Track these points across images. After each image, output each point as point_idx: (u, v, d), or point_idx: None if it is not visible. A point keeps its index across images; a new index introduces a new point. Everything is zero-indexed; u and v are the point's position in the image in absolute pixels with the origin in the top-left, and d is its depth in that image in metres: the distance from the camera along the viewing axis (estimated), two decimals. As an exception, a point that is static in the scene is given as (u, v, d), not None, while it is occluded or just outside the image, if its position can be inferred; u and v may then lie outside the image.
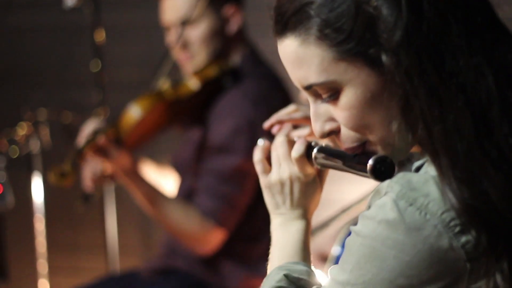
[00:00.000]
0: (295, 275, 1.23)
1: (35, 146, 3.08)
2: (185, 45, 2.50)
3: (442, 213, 1.06)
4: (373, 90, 1.11)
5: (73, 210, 2.64)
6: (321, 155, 1.25)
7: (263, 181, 1.35)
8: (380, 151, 1.15)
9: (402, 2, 1.08)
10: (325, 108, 1.16)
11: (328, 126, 1.17)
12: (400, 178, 1.09)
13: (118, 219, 3.19)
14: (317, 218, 2.33)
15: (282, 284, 1.22)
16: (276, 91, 2.53)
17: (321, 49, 1.11)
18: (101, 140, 2.25)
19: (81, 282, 3.03)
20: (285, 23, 1.14)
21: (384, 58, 1.09)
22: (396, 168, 1.15)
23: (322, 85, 1.13)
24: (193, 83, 2.49)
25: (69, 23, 3.49)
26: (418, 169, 1.15)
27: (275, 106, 2.35)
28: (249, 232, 2.53)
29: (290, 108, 1.46)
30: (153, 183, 2.39)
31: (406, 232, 1.06)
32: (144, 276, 2.57)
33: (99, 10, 2.93)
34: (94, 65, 3.02)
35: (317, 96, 1.16)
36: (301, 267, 1.25)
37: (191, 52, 2.50)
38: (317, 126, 1.17)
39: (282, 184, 1.32)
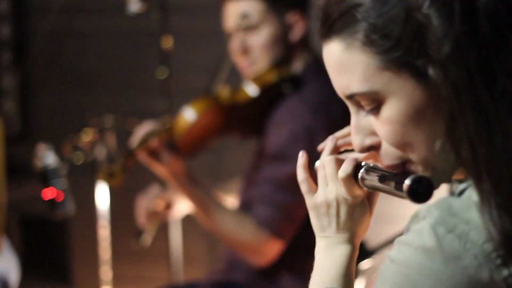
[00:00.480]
0: None
1: (100, 152, 3.06)
2: (246, 52, 2.44)
3: (484, 243, 0.98)
4: (418, 104, 1.03)
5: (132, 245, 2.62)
6: (369, 176, 1.16)
7: (308, 201, 1.28)
8: (422, 171, 1.08)
9: (456, 11, 1.00)
10: (367, 120, 1.09)
11: (369, 141, 1.10)
12: (440, 202, 1.02)
13: (182, 229, 3.15)
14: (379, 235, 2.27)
15: None
16: (336, 101, 2.45)
17: (366, 56, 1.05)
18: (154, 142, 2.20)
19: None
20: (331, 26, 1.08)
21: (431, 70, 1.01)
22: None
23: (364, 95, 1.06)
24: (251, 89, 2.44)
25: (137, 28, 3.47)
26: (461, 193, 1.07)
27: (335, 115, 2.30)
28: (309, 243, 2.45)
29: (346, 130, 1.37)
30: (207, 190, 2.33)
31: (444, 261, 0.98)
32: (203, 289, 2.52)
33: (166, 16, 2.89)
34: (160, 72, 2.99)
35: (359, 106, 1.10)
36: None
37: (252, 59, 2.45)
38: (357, 139, 1.11)
39: (328, 205, 1.24)
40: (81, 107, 3.65)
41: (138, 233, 2.49)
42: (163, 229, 3.11)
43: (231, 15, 2.45)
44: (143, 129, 2.28)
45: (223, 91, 2.46)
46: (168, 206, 2.56)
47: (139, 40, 3.61)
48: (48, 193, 2.50)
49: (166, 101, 3.00)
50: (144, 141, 2.21)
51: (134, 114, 3.17)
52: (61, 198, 2.50)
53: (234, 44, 2.46)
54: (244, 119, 2.47)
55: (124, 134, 2.97)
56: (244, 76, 2.52)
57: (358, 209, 1.24)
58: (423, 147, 1.05)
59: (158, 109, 3.04)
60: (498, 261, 0.98)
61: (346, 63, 1.06)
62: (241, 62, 2.47)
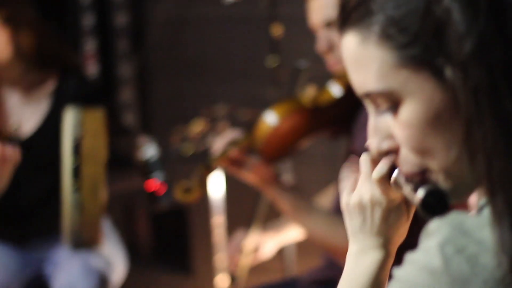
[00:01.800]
0: None
1: (213, 142, 3.05)
2: (331, 49, 2.34)
3: (495, 267, 0.88)
4: (438, 108, 0.94)
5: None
6: (400, 180, 1.06)
7: (343, 200, 1.19)
8: (442, 181, 0.98)
9: (481, 6, 0.90)
10: (386, 123, 1.00)
11: (386, 144, 1.01)
12: (451, 218, 0.92)
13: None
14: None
15: None
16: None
17: (382, 51, 0.95)
18: (234, 153, 2.14)
19: (258, 280, 2.97)
20: (347, 17, 0.99)
21: (449, 70, 0.91)
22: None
23: (380, 94, 0.97)
24: (336, 89, 2.34)
25: (251, 16, 3.42)
26: (481, 210, 0.96)
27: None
28: (406, 245, 2.35)
29: None
30: (298, 194, 2.26)
31: (451, 285, 0.89)
32: (303, 286, 2.47)
33: (275, 3, 2.84)
34: (271, 60, 2.94)
35: (377, 106, 1.00)
36: None
37: (339, 56, 2.35)
38: (374, 142, 1.02)
39: (361, 207, 1.15)
40: (195, 95, 3.65)
41: (232, 278, 2.50)
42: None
43: (314, 11, 2.37)
44: (222, 140, 2.23)
45: (306, 93, 2.38)
46: (257, 249, 2.55)
47: (253, 28, 3.57)
48: (151, 185, 2.51)
49: (277, 90, 2.95)
50: (223, 153, 2.16)
51: (247, 103, 3.14)
52: (163, 190, 2.50)
53: (320, 41, 2.38)
54: (329, 121, 2.38)
55: (237, 124, 2.95)
56: (332, 74, 2.44)
57: (394, 213, 1.15)
58: (443, 155, 0.96)
59: (269, 98, 3.00)
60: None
61: (361, 59, 0.98)
62: (328, 59, 2.38)
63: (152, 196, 2.54)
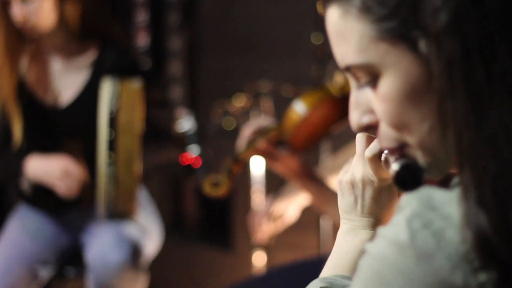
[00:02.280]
0: None
1: (255, 118, 3.03)
2: None
3: (460, 243, 0.87)
4: (415, 82, 0.93)
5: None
6: (396, 166, 1.03)
7: (338, 179, 1.21)
8: (420, 157, 0.97)
9: None
10: (366, 98, 0.99)
11: (366, 119, 1.01)
12: (421, 193, 0.91)
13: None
14: None
15: None
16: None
17: (361, 25, 0.95)
18: (261, 145, 2.11)
19: (295, 257, 2.95)
20: None
21: (423, 43, 0.90)
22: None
23: (360, 67, 0.97)
24: None
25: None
26: (454, 187, 0.93)
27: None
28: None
29: None
30: (325, 184, 2.23)
31: (416, 260, 0.88)
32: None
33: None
34: (315, 38, 2.90)
35: (357, 80, 0.99)
36: (347, 283, 1.12)
37: None
38: (355, 116, 1.01)
39: (353, 185, 1.17)
40: (243, 71, 3.63)
41: (262, 247, 2.48)
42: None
43: None
44: (248, 131, 2.20)
45: (335, 81, 2.35)
46: (281, 216, 2.52)
47: (300, 5, 3.53)
48: (186, 158, 2.50)
49: (321, 67, 2.92)
50: (250, 145, 2.14)
51: (292, 81, 3.11)
52: (198, 164, 2.50)
53: None
54: None
55: (280, 101, 2.93)
56: None
57: (385, 193, 1.16)
58: (419, 129, 0.95)
59: (313, 76, 2.96)
60: (475, 264, 0.86)
61: (342, 32, 0.97)
62: None
63: (188, 169, 2.53)
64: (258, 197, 3.35)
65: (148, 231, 2.77)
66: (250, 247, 3.50)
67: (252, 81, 3.19)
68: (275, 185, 3.27)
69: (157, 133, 2.83)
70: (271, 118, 2.27)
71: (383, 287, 0.90)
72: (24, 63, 2.71)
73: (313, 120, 2.15)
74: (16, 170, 2.67)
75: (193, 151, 2.52)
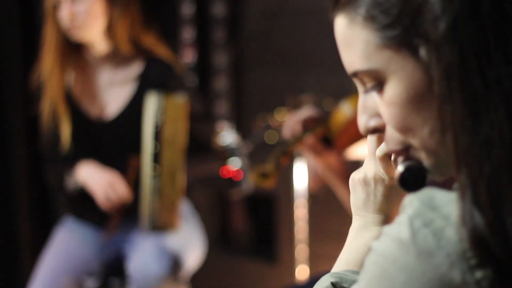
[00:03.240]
0: (345, 285, 1.17)
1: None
2: None
3: (459, 241, 0.92)
4: (417, 87, 0.98)
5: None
6: (401, 168, 1.08)
7: (351, 177, 1.26)
8: (424, 159, 1.02)
9: None
10: (373, 102, 1.04)
11: (373, 122, 1.06)
12: (423, 193, 0.96)
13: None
14: None
15: None
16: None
17: (366, 32, 1.00)
18: (310, 140, 2.14)
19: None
20: (338, 1, 1.04)
21: (424, 50, 0.95)
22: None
23: (366, 73, 1.02)
24: None
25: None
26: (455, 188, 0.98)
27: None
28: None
29: None
30: None
31: (417, 257, 0.93)
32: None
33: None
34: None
35: (364, 85, 1.04)
36: (356, 278, 1.15)
37: None
38: (362, 120, 1.06)
39: (365, 182, 1.23)
40: (287, 85, 3.67)
41: (313, 197, 2.47)
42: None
43: None
44: (294, 120, 2.23)
45: None
46: None
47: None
48: (227, 172, 2.54)
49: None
50: (299, 138, 2.17)
51: (335, 95, 3.13)
52: (239, 177, 2.53)
53: None
54: None
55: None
56: None
57: (395, 191, 1.21)
58: (422, 132, 1.00)
59: (354, 90, 2.98)
60: (473, 262, 0.91)
61: (349, 40, 1.02)
62: None
63: (229, 182, 2.57)
64: (299, 211, 3.38)
65: (190, 244, 2.81)
66: (293, 261, 3.53)
67: (295, 94, 3.23)
68: (318, 199, 3.30)
69: (201, 146, 2.88)
70: (314, 109, 2.29)
71: (386, 282, 0.95)
72: (72, 74, 2.79)
73: (355, 119, 2.18)
74: (64, 176, 2.74)
75: (234, 165, 2.56)
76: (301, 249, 3.39)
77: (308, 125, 2.21)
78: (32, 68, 2.81)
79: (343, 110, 2.17)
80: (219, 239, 4.08)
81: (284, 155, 2.18)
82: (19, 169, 3.54)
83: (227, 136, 2.61)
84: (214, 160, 2.72)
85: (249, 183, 2.53)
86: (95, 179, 2.66)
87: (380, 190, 1.21)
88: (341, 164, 2.18)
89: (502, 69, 0.91)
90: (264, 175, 2.18)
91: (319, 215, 3.43)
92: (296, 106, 3.17)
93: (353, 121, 2.16)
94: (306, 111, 2.24)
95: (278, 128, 2.89)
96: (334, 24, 1.06)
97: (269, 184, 2.20)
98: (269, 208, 3.97)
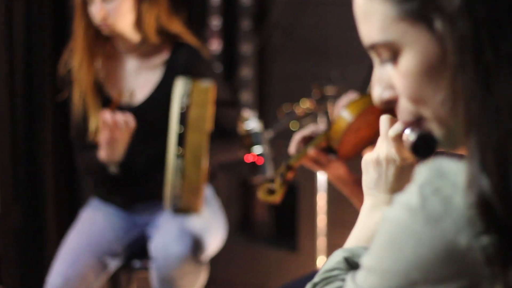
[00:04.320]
0: (356, 259, 1.21)
1: (321, 122, 3.09)
2: None
3: (466, 208, 0.94)
4: (432, 59, 1.01)
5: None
6: (413, 137, 1.13)
7: (364, 158, 1.31)
8: (435, 130, 1.06)
9: None
10: (388, 74, 1.07)
11: (387, 94, 1.08)
12: (433, 162, 0.99)
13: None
14: None
15: (340, 265, 1.21)
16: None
17: (384, 6, 1.04)
18: (312, 152, 2.16)
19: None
20: None
21: (439, 23, 0.99)
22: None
23: (383, 44, 1.05)
24: None
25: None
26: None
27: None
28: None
29: None
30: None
31: (425, 223, 0.96)
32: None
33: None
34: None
35: (380, 58, 1.07)
36: None
37: None
38: (377, 91, 1.09)
39: (378, 163, 1.27)
40: (311, 76, 3.69)
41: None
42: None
43: None
44: (298, 137, 2.24)
45: None
46: None
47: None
48: (250, 157, 2.58)
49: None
50: (302, 153, 2.18)
51: (357, 85, 3.15)
52: (260, 163, 2.56)
53: None
54: None
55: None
56: None
57: (407, 172, 1.24)
58: (436, 103, 1.03)
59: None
60: (479, 228, 0.93)
61: (367, 12, 1.06)
62: None
63: (252, 167, 2.60)
64: (320, 202, 3.41)
65: (211, 227, 2.85)
66: (314, 250, 3.55)
67: (320, 86, 3.25)
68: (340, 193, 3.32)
69: (226, 132, 2.92)
70: (323, 125, 2.31)
71: (396, 248, 0.98)
72: (100, 63, 2.84)
73: (358, 127, 2.18)
74: (94, 162, 2.79)
75: (257, 151, 2.59)
76: (322, 240, 3.41)
77: (310, 139, 2.22)
78: (61, 57, 2.86)
79: (343, 117, 2.17)
80: (240, 226, 4.12)
81: (289, 170, 2.20)
82: (46, 153, 3.60)
83: (251, 123, 2.65)
84: (238, 146, 2.76)
85: (270, 171, 2.56)
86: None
87: (391, 170, 1.26)
88: (347, 172, 2.19)
89: None
90: (270, 191, 2.20)
91: (338, 206, 3.45)
92: (320, 96, 3.20)
93: (353, 127, 2.16)
94: (310, 128, 2.26)
95: (302, 117, 2.93)
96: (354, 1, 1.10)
97: (276, 199, 2.22)
98: (291, 197, 4.00)
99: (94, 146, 2.79)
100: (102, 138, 2.68)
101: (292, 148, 2.24)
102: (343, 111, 2.18)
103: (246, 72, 3.86)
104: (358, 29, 1.10)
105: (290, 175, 2.20)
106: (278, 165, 2.34)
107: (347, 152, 2.18)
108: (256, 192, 2.31)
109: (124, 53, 2.84)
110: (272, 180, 2.27)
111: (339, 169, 2.18)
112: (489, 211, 0.93)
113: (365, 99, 2.23)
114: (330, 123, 2.21)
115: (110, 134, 2.65)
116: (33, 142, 3.61)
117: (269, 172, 2.53)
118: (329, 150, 2.19)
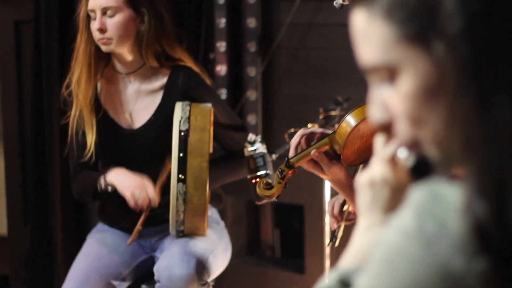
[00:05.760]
0: (350, 280, 1.20)
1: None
2: None
3: (463, 230, 0.94)
4: (430, 81, 1.00)
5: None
6: (410, 158, 1.13)
7: (357, 178, 1.28)
8: (432, 152, 1.05)
9: None
10: (384, 95, 1.06)
11: (384, 115, 1.07)
12: (427, 184, 0.99)
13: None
14: None
15: (333, 286, 1.20)
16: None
17: (384, 27, 1.03)
18: (314, 154, 2.13)
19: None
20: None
21: (439, 46, 0.98)
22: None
23: (381, 66, 1.05)
24: None
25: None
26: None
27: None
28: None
29: None
30: None
31: (421, 246, 0.96)
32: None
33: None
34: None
35: (378, 79, 1.07)
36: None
37: None
38: (373, 113, 1.08)
39: (372, 184, 1.24)
40: (317, 98, 3.71)
41: (332, 235, 2.47)
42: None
43: None
44: (299, 136, 2.21)
45: None
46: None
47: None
48: (255, 179, 2.60)
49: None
50: (304, 153, 2.12)
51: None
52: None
53: None
54: None
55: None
56: None
57: (401, 193, 1.22)
58: (433, 125, 1.02)
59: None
60: (474, 252, 0.93)
61: (367, 33, 1.06)
62: None
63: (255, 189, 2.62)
64: (325, 223, 3.41)
65: (216, 248, 2.86)
66: (321, 271, 3.56)
67: (324, 108, 3.27)
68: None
69: (231, 155, 2.94)
70: (322, 128, 2.29)
71: (391, 270, 0.98)
72: (101, 85, 2.88)
73: (362, 132, 2.17)
74: (89, 185, 2.81)
75: (262, 172, 2.61)
76: (330, 262, 3.42)
77: (314, 140, 2.20)
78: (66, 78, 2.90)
79: (347, 121, 2.15)
80: (247, 247, 4.13)
81: (289, 169, 2.16)
82: (54, 177, 3.63)
83: (257, 145, 2.67)
84: (243, 168, 2.78)
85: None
86: (125, 180, 2.74)
87: (386, 191, 1.23)
88: (346, 176, 2.15)
89: None
90: (267, 185, 2.16)
91: (346, 227, 3.45)
92: (326, 119, 3.22)
93: (356, 132, 2.13)
94: (312, 129, 2.23)
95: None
96: (352, 19, 1.09)
97: (272, 194, 2.16)
98: (299, 218, 4.01)
99: (94, 167, 2.82)
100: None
101: (292, 148, 2.21)
102: (348, 115, 2.16)
103: (252, 94, 3.88)
104: (355, 50, 1.09)
105: (289, 174, 2.17)
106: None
107: (350, 157, 2.15)
108: (262, 214, 2.31)
109: (124, 76, 2.87)
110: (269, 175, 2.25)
111: (339, 173, 2.15)
112: (484, 235, 0.93)
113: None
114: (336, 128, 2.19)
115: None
116: (42, 165, 3.64)
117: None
118: (332, 154, 2.17)
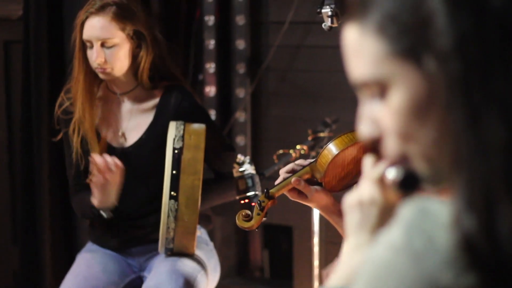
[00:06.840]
0: None
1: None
2: None
3: (451, 245, 0.94)
4: (421, 97, 1.00)
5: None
6: (397, 174, 1.13)
7: (345, 198, 1.28)
8: (421, 168, 1.05)
9: (465, 6, 0.97)
10: (374, 111, 1.06)
11: (373, 130, 1.07)
12: (417, 200, 1.00)
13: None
14: None
15: None
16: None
17: (375, 43, 1.03)
18: (294, 182, 2.12)
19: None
20: (351, 13, 1.07)
21: (431, 63, 0.98)
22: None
23: (371, 82, 1.04)
24: None
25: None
26: None
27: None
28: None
29: None
30: None
31: (409, 261, 0.96)
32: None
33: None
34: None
35: (367, 95, 1.07)
36: None
37: None
38: (362, 128, 1.08)
39: (360, 204, 1.24)
40: (305, 120, 3.74)
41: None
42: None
43: None
44: (285, 169, 2.21)
45: None
46: None
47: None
48: (244, 200, 2.62)
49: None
50: (284, 182, 2.11)
51: (351, 129, 3.19)
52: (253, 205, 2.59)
53: None
54: None
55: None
56: None
57: (389, 212, 1.22)
58: (423, 141, 1.02)
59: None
60: (463, 267, 0.93)
61: (358, 49, 1.05)
62: None
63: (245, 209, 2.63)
64: (314, 241, 3.43)
65: (204, 268, 2.87)
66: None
67: (313, 129, 3.29)
68: (336, 235, 3.35)
69: (220, 177, 2.95)
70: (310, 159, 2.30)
71: (379, 287, 0.98)
72: (97, 104, 2.90)
73: (343, 160, 2.17)
74: (88, 207, 2.82)
75: (251, 193, 2.63)
76: (318, 283, 3.43)
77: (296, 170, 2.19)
78: (56, 99, 2.91)
79: (329, 149, 2.15)
80: (236, 268, 4.14)
81: (269, 199, 2.15)
82: (43, 196, 3.63)
83: (246, 166, 2.68)
84: (232, 190, 2.79)
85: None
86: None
87: (374, 212, 1.23)
88: (332, 202, 2.12)
89: (503, 83, 0.96)
90: (247, 217, 2.15)
91: (334, 247, 3.47)
92: (313, 140, 3.24)
93: (337, 160, 2.12)
94: (297, 161, 2.22)
95: (296, 159, 2.96)
96: (343, 34, 1.08)
97: (252, 226, 2.15)
98: (287, 239, 4.02)
99: (89, 187, 2.83)
100: (94, 182, 2.71)
101: (278, 181, 2.20)
102: (330, 144, 2.16)
103: (241, 115, 3.90)
104: (347, 65, 1.09)
105: (269, 204, 2.16)
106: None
107: (332, 184, 2.15)
108: (251, 235, 2.32)
109: (118, 95, 2.89)
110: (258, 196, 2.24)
111: (324, 200, 2.14)
112: (473, 250, 0.93)
113: (352, 134, 2.21)
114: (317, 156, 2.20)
115: (101, 177, 2.68)
116: (31, 185, 3.65)
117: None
118: (314, 182, 2.17)
